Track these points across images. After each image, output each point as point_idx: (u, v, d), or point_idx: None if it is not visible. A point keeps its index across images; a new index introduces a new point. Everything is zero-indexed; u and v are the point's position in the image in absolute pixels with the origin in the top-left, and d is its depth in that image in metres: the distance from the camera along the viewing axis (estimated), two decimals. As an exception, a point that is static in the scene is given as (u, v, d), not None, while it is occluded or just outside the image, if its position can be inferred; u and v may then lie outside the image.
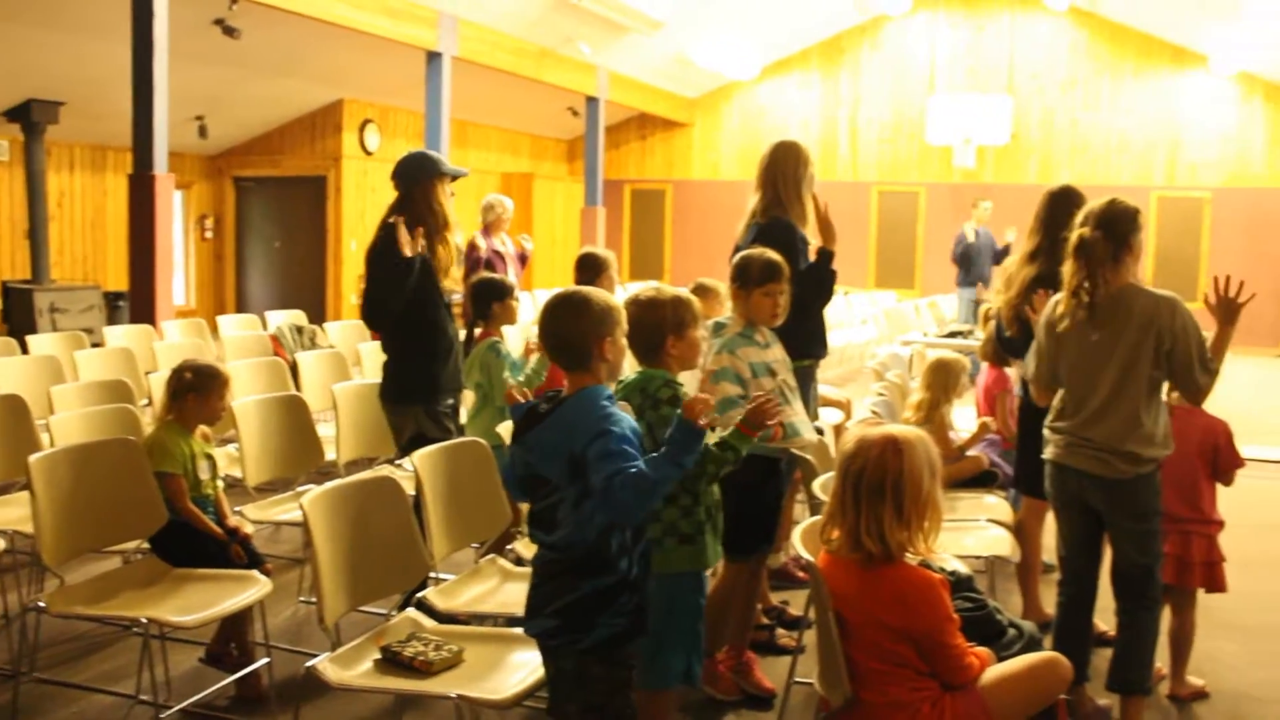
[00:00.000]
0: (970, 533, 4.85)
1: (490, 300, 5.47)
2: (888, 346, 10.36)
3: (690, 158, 20.45)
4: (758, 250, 4.16)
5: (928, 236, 19.12)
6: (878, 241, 19.56)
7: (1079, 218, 3.93)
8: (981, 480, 5.51)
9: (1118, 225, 3.84)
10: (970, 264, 13.26)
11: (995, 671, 2.95)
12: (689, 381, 3.91)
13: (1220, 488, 4.49)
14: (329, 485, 3.56)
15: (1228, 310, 3.88)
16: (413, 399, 4.89)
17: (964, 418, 6.25)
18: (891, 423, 3.20)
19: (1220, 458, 4.37)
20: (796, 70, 19.78)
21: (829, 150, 19.63)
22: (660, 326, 3.48)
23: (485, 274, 6.04)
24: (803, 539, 3.05)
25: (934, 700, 2.83)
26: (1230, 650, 4.96)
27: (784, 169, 4.85)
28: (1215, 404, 4.45)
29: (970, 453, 5.60)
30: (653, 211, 20.66)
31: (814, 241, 4.89)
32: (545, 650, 3.06)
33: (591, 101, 16.60)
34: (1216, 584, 4.38)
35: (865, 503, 2.83)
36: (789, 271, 4.14)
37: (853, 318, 14.49)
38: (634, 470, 2.80)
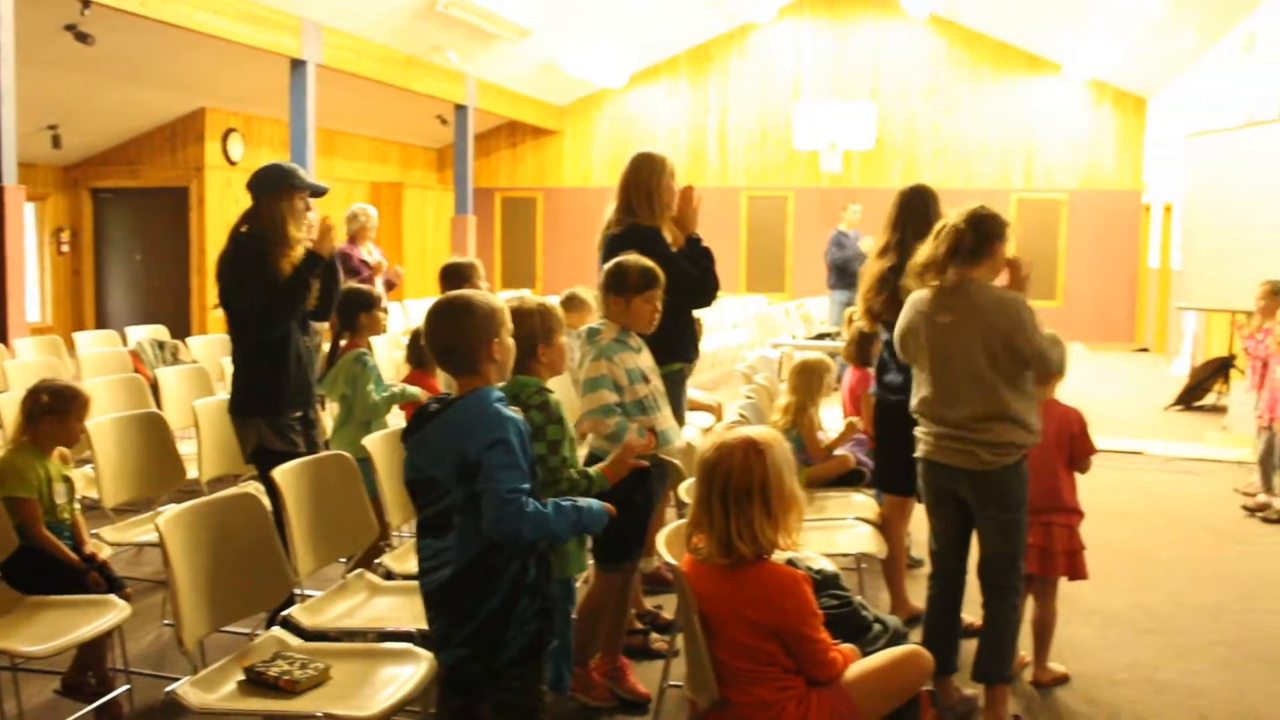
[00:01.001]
0: (839, 531, 4.93)
1: (357, 310, 5.38)
2: (758, 350, 10.48)
3: (561, 165, 20.45)
4: (633, 257, 4.16)
5: (797, 240, 19.40)
6: (748, 246, 19.78)
7: (950, 213, 4.04)
8: (848, 479, 5.61)
9: (985, 225, 3.96)
10: (847, 266, 13.45)
11: (859, 666, 3.00)
12: (558, 386, 3.92)
13: (1079, 478, 4.62)
14: (186, 504, 3.46)
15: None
16: (255, 410, 4.78)
17: (831, 418, 6.35)
18: (756, 425, 3.23)
19: (1076, 446, 4.49)
20: (665, 77, 19.92)
21: (698, 156, 19.81)
22: (530, 335, 3.48)
23: (352, 284, 5.94)
24: (667, 543, 3.07)
25: (800, 697, 2.87)
26: (1088, 635, 5.12)
27: (637, 181, 4.84)
28: (1068, 396, 4.61)
29: (837, 452, 5.69)
30: (524, 219, 20.61)
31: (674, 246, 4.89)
32: (462, 677, 3.03)
33: (460, 109, 16.48)
34: (1078, 572, 4.49)
35: (735, 506, 2.85)
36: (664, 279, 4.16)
37: (724, 322, 14.62)
38: (534, 507, 2.86)
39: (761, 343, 11.95)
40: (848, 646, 3.05)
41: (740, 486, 2.86)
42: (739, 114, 19.72)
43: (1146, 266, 18.11)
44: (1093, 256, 18.69)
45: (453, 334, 3.02)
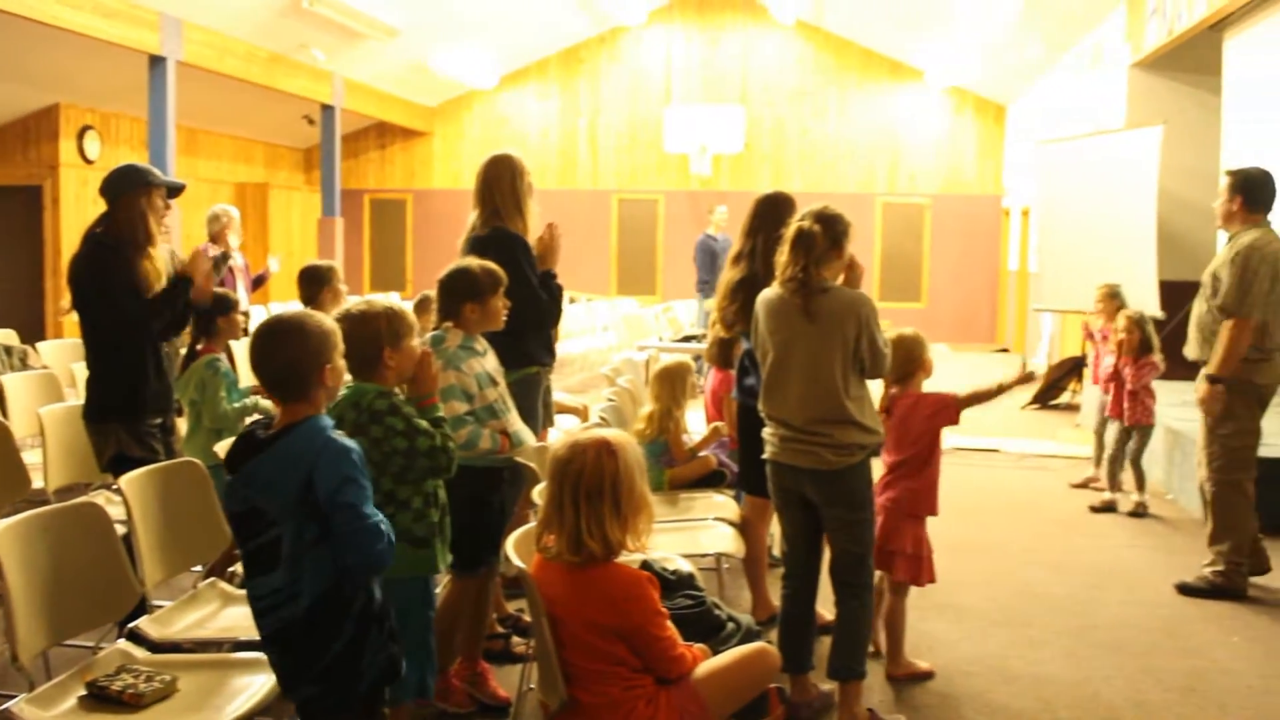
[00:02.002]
0: (701, 531, 4.99)
1: (214, 314, 5.28)
2: (626, 352, 10.53)
3: (431, 167, 20.28)
4: (475, 261, 4.16)
5: (667, 243, 19.54)
6: (618, 248, 19.86)
7: (798, 215, 4.10)
8: (711, 480, 5.68)
9: (834, 225, 4.03)
10: (714, 269, 13.60)
11: (708, 665, 3.04)
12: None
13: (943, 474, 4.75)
14: (21, 515, 3.35)
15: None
16: (112, 417, 4.66)
17: (696, 420, 6.42)
18: (612, 428, 3.26)
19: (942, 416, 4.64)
20: (536, 80, 19.90)
21: (569, 159, 19.83)
22: (376, 339, 3.43)
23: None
24: (515, 547, 3.07)
25: (649, 697, 2.90)
26: (942, 629, 5.25)
27: (499, 183, 4.85)
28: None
29: (701, 454, 5.75)
30: (393, 221, 20.39)
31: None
32: (315, 714, 2.94)
33: (327, 109, 16.22)
34: (918, 576, 4.58)
35: (586, 505, 2.87)
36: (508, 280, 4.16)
37: (594, 324, 14.66)
38: (387, 529, 2.79)
39: (630, 345, 12.01)
40: (698, 646, 3.08)
41: (592, 485, 2.87)
42: (610, 117, 19.79)
43: (1006, 269, 18.64)
44: (955, 259, 19.18)
45: (282, 359, 2.85)
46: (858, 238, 4.22)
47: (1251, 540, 5.94)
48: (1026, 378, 4.35)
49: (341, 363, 2.97)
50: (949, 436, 9.73)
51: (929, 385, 4.81)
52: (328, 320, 2.97)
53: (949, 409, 4.58)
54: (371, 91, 17.51)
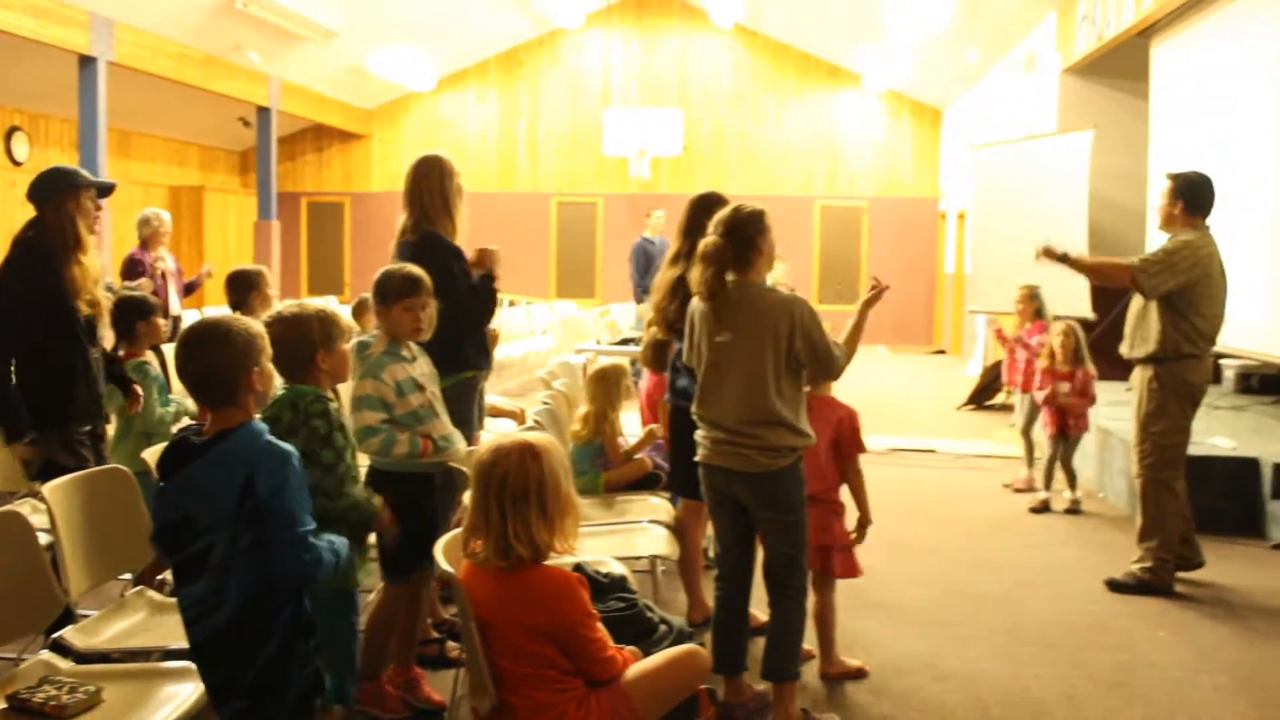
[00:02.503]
0: (636, 534, 5.00)
1: (133, 319, 5.21)
2: (563, 356, 10.52)
3: (369, 169, 20.16)
4: (397, 265, 4.15)
5: (606, 246, 19.56)
6: (558, 251, 19.85)
7: (711, 224, 4.11)
8: (646, 482, 5.69)
9: (740, 230, 4.03)
10: (650, 273, 13.62)
11: (639, 666, 3.04)
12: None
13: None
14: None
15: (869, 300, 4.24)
16: (42, 425, 4.59)
17: (631, 422, 6.42)
18: (536, 432, 3.25)
19: (845, 443, 4.58)
20: (474, 82, 19.84)
21: (508, 161, 19.80)
22: (309, 342, 3.42)
23: (126, 291, 5.75)
24: (444, 552, 3.06)
25: (579, 699, 2.89)
26: (876, 628, 5.29)
27: (427, 184, 4.83)
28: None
29: (637, 456, 5.76)
30: (331, 225, 20.24)
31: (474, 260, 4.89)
32: None
33: (263, 111, 16.08)
34: (830, 568, 4.60)
35: (511, 509, 2.86)
36: (432, 284, 4.14)
37: (533, 328, 14.64)
38: (325, 542, 2.81)
39: (568, 348, 12.00)
40: (629, 648, 3.09)
41: (517, 489, 2.86)
42: (549, 120, 19.78)
43: (943, 271, 18.85)
44: (893, 262, 19.34)
45: (208, 364, 2.81)
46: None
47: (1185, 535, 6.06)
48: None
49: (269, 366, 2.93)
50: (887, 438, 9.86)
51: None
52: (254, 324, 2.94)
53: (853, 432, 4.58)
54: (308, 93, 17.38)
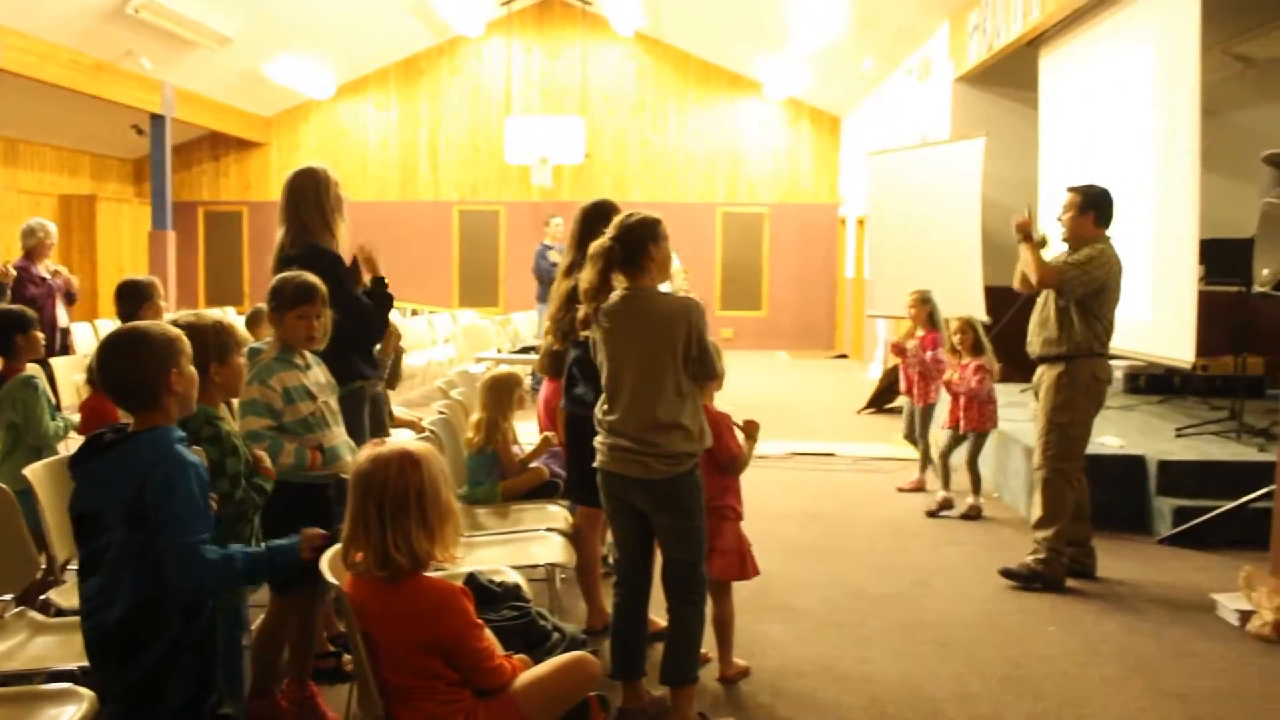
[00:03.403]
0: (532, 542, 4.99)
1: (12, 333, 5.07)
2: (463, 365, 10.46)
3: (268, 178, 19.86)
4: (293, 272, 4.10)
5: (509, 254, 19.50)
6: (460, 260, 19.74)
7: (609, 230, 4.12)
8: (544, 491, 5.67)
9: (631, 233, 4.05)
10: (550, 280, 13.61)
11: (528, 675, 3.03)
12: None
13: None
14: None
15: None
16: None
17: (530, 431, 6.40)
18: (415, 440, 3.22)
19: (719, 449, 4.57)
20: (375, 90, 19.67)
21: (409, 170, 19.66)
22: (202, 353, 3.35)
23: (3, 305, 5.60)
24: (329, 566, 3.02)
25: (468, 710, 2.88)
26: (777, 631, 5.34)
27: (303, 198, 4.76)
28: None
29: (533, 465, 5.74)
30: (230, 234, 19.91)
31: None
32: None
33: (157, 119, 15.77)
34: (726, 571, 4.62)
35: (391, 518, 2.83)
36: (326, 293, 4.10)
37: (435, 337, 14.54)
38: (218, 555, 2.79)
39: (470, 357, 11.93)
40: (519, 656, 3.08)
41: (396, 498, 2.84)
42: (450, 128, 19.68)
43: (843, 277, 19.09)
44: (794, 267, 19.57)
45: (127, 369, 2.86)
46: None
47: (1083, 541, 6.24)
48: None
49: (190, 369, 2.97)
50: (787, 443, 9.94)
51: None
52: (172, 328, 2.98)
53: (718, 434, 4.59)
54: (204, 101, 17.08)
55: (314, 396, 4.00)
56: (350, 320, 4.47)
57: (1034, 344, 6.23)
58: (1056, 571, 6.06)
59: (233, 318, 13.58)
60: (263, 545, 3.03)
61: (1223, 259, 8.46)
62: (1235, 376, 8.89)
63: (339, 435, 4.09)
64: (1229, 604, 5.59)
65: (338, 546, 2.96)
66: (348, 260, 4.82)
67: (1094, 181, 6.35)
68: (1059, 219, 6.21)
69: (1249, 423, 8.06)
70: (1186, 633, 5.37)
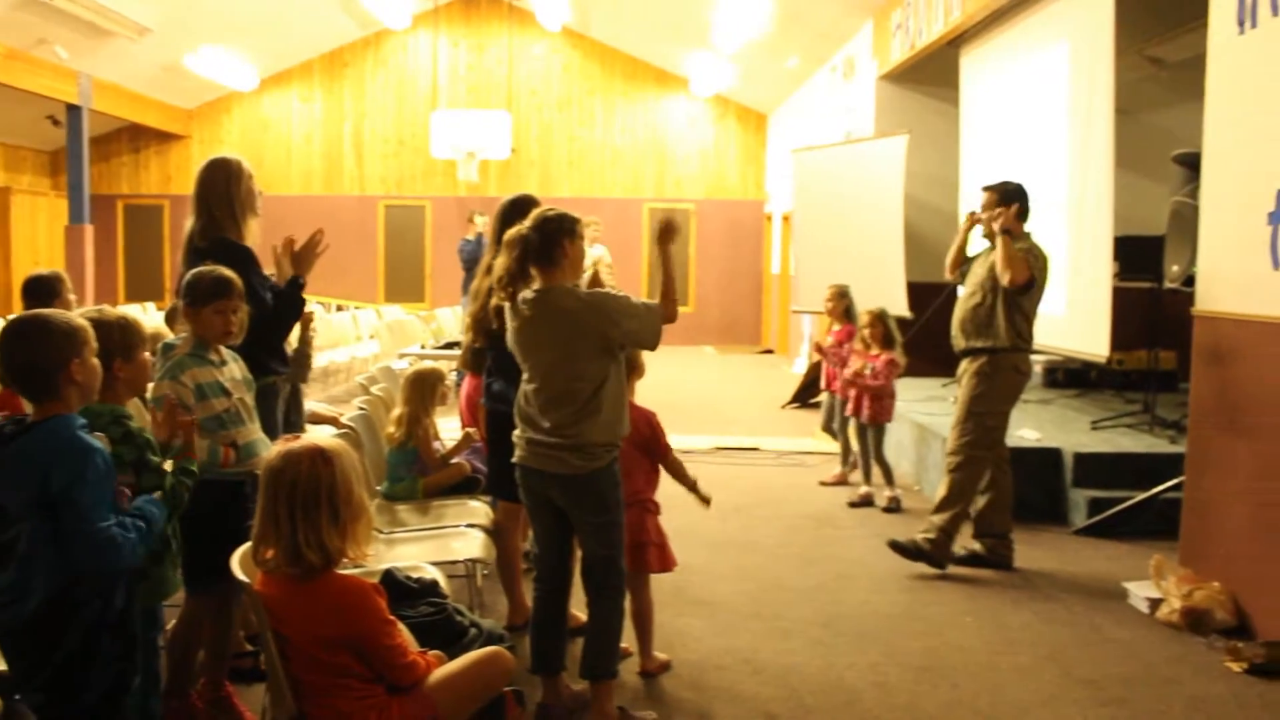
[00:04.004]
0: (453, 538, 4.97)
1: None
2: (386, 361, 10.38)
3: (189, 171, 19.39)
4: (209, 267, 4.04)
5: (435, 249, 19.38)
6: (386, 255, 19.59)
7: (526, 221, 4.11)
8: (466, 486, 5.66)
9: (547, 225, 4.04)
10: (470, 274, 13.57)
11: (442, 671, 3.03)
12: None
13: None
14: None
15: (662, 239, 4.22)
16: None
17: (451, 427, 6.39)
18: (327, 437, 3.19)
19: (651, 447, 4.61)
20: (299, 82, 19.45)
21: (334, 164, 19.47)
22: (106, 350, 3.29)
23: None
24: (240, 563, 2.99)
25: (380, 707, 2.87)
26: (697, 624, 5.37)
27: (214, 189, 4.70)
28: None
29: (454, 460, 5.72)
30: (150, 228, 19.58)
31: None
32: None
33: (74, 110, 15.46)
34: (646, 564, 4.63)
35: (302, 514, 2.82)
36: (244, 289, 4.05)
37: (360, 333, 14.42)
38: (118, 528, 2.78)
39: (394, 353, 11.86)
40: (433, 652, 3.07)
41: (308, 494, 2.82)
42: (376, 121, 19.52)
43: (770, 273, 19.21)
44: (721, 264, 19.67)
45: (28, 356, 2.86)
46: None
47: (1005, 534, 6.38)
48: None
49: (93, 360, 2.96)
50: (712, 437, 9.99)
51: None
52: (76, 318, 2.97)
53: (653, 433, 4.61)
54: (123, 92, 16.78)
55: (229, 393, 3.95)
56: (256, 317, 4.40)
57: (958, 338, 6.32)
58: (941, 553, 6.20)
59: (153, 313, 13.38)
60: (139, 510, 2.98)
61: (1136, 256, 8.63)
62: (1148, 370, 9.08)
63: (254, 432, 4.04)
64: (1140, 592, 5.71)
65: (247, 545, 2.94)
66: (261, 255, 4.76)
67: (1011, 178, 6.45)
68: (982, 218, 6.29)
69: (1161, 415, 8.23)
70: (1099, 621, 5.49)
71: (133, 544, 2.81)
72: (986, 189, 6.36)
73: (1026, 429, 7.97)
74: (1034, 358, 9.70)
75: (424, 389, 5.72)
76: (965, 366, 6.30)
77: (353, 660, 2.84)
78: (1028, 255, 6.05)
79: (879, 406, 7.87)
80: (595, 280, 4.33)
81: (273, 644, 2.82)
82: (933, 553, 6.18)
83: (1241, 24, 5.38)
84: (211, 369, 3.95)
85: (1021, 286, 6.02)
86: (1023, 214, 6.19)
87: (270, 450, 2.98)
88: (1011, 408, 6.29)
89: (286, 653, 2.84)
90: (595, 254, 11.06)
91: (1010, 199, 6.18)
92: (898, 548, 6.24)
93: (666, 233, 4.23)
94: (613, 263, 13.17)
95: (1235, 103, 5.49)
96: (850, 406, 8.06)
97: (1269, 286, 5.15)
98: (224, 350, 4.06)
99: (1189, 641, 5.21)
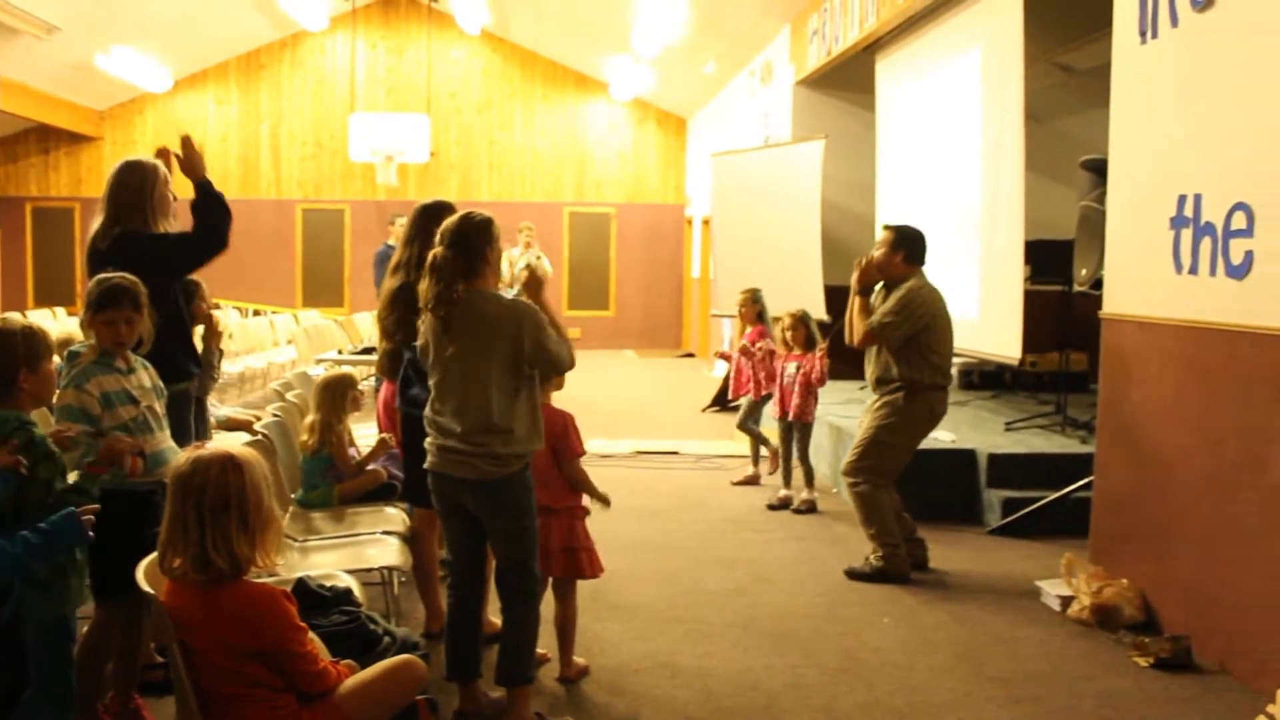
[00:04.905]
0: (368, 546, 4.93)
1: None
2: (301, 366, 10.27)
3: (101, 174, 19.06)
4: (106, 275, 3.95)
5: (354, 254, 19.19)
6: (304, 259, 19.36)
7: (438, 235, 4.08)
8: (382, 493, 5.60)
9: (468, 240, 4.02)
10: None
11: (354, 679, 3.00)
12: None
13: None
14: None
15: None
16: None
17: (369, 433, 6.32)
18: (236, 444, 3.14)
19: (561, 448, 4.56)
20: (214, 83, 19.16)
21: (251, 166, 19.21)
22: (12, 361, 3.23)
23: None
24: (145, 574, 2.94)
25: (291, 717, 2.83)
26: (616, 629, 5.37)
27: (127, 191, 4.63)
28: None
29: (370, 467, 5.67)
30: (60, 232, 19.13)
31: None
32: None
33: (-22, 110, 15.11)
34: (578, 569, 4.62)
35: (210, 521, 2.78)
36: (142, 295, 3.96)
37: (278, 338, 14.23)
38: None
39: (312, 359, 11.71)
40: (345, 661, 3.04)
41: (217, 501, 2.78)
42: (293, 124, 19.29)
43: (690, 277, 19.29)
44: (641, 267, 19.70)
45: None
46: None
47: (910, 535, 6.45)
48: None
49: (49, 367, 2.99)
50: (632, 441, 10.01)
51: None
52: (36, 325, 3.03)
53: (563, 435, 4.58)
54: (30, 91, 16.40)
55: (136, 401, 3.87)
56: (167, 318, 4.32)
57: (870, 376, 6.40)
58: (898, 565, 6.22)
59: (64, 318, 13.09)
60: (39, 528, 2.92)
61: (1047, 259, 8.79)
62: (1060, 372, 9.26)
63: (163, 440, 3.96)
64: (1051, 590, 5.82)
65: (153, 556, 2.88)
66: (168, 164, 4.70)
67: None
68: (873, 255, 6.38)
69: (1073, 416, 8.39)
70: (1012, 619, 5.58)
71: (15, 559, 2.72)
72: (886, 227, 6.47)
73: (942, 431, 8.07)
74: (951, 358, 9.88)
75: (335, 395, 5.65)
76: (880, 396, 6.34)
77: (262, 670, 2.80)
78: (901, 310, 6.08)
79: (805, 404, 7.93)
80: (534, 283, 4.28)
81: (179, 655, 2.77)
82: (889, 569, 6.21)
83: (1144, 34, 5.51)
84: (118, 376, 3.87)
85: (911, 333, 6.08)
86: (912, 257, 6.27)
87: (179, 457, 2.94)
88: (917, 445, 6.36)
89: (194, 663, 2.79)
90: (533, 260, 11.05)
91: (901, 243, 6.27)
92: (856, 575, 6.25)
93: (533, 285, 4.29)
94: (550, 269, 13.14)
95: (1138, 110, 5.62)
96: (776, 409, 8.10)
97: (1172, 290, 5.27)
98: (132, 357, 3.98)
99: (1099, 638, 5.31)
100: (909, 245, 6.28)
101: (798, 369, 7.93)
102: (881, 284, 6.38)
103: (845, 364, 9.77)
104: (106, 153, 19.07)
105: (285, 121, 19.28)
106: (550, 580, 4.62)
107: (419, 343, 4.18)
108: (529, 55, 19.45)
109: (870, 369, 6.39)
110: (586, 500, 4.67)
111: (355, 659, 3.16)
